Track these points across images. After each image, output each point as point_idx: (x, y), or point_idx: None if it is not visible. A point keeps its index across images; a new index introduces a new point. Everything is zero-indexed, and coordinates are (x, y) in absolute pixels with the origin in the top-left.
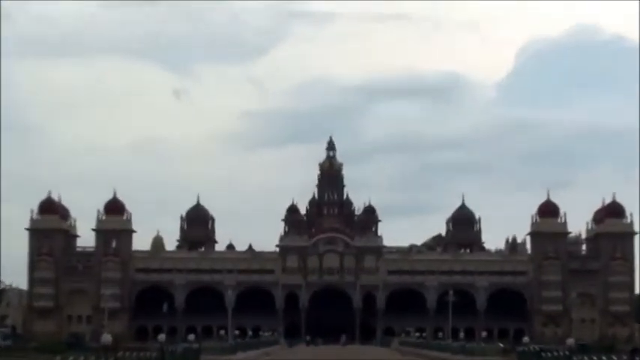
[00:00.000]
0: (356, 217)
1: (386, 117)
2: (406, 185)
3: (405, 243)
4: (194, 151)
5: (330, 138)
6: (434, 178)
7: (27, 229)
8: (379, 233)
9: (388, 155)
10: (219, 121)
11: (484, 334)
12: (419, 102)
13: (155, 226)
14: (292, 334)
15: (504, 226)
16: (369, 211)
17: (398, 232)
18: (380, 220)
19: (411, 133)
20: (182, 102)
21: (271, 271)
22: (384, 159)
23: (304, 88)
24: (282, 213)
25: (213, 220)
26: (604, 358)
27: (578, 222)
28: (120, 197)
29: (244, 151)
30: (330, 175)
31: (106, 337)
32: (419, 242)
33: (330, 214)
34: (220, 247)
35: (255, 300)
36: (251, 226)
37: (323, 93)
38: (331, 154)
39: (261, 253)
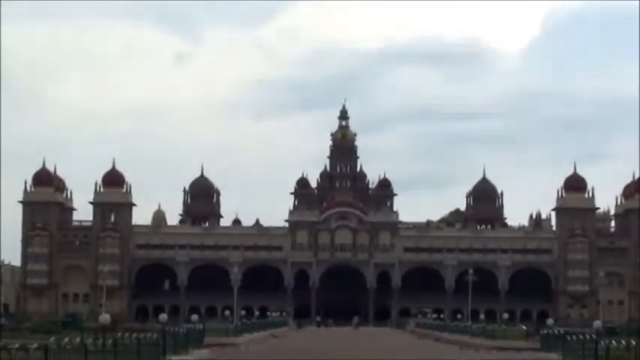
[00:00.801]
0: (370, 191)
1: (403, 84)
2: (424, 157)
3: (422, 218)
4: (198, 119)
5: (343, 106)
6: (453, 150)
7: (20, 202)
8: (394, 208)
9: (405, 125)
10: (225, 89)
11: (505, 315)
12: (439, 69)
13: (156, 200)
14: (302, 315)
15: (528, 201)
16: (384, 185)
17: (414, 207)
18: (395, 194)
19: (429, 101)
20: (185, 67)
21: (280, 248)
22: (401, 129)
23: (316, 54)
24: (292, 186)
25: (218, 193)
26: (633, 342)
27: (606, 197)
28: (119, 168)
29: (251, 121)
30: (343, 145)
31: (104, 317)
32: (437, 218)
33: (342, 188)
34: (226, 222)
35: (263, 278)
36: (258, 200)
37: (336, 59)
38: (344, 123)
39: (269, 229)
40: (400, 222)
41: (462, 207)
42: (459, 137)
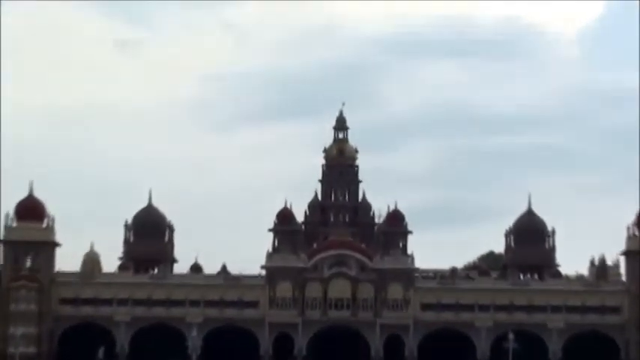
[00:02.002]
0: (376, 227)
1: (420, 83)
2: (447, 182)
3: (445, 265)
4: (146, 129)
5: (340, 112)
6: (487, 171)
7: None
8: (409, 251)
9: (422, 138)
10: (182, 88)
11: None
12: (467, 62)
13: (88, 238)
14: None
15: (588, 241)
16: (395, 219)
17: (435, 250)
18: (410, 232)
19: (455, 106)
20: (130, 58)
21: (254, 304)
22: (417, 143)
23: (304, 42)
24: (271, 220)
25: (171, 229)
26: None
27: None
28: (38, 195)
29: (217, 131)
30: (340, 165)
31: None
32: (465, 264)
33: (338, 223)
34: (181, 268)
35: (231, 344)
36: (226, 240)
37: (330, 48)
38: (341, 135)
39: (240, 278)
40: (416, 269)
41: (499, 249)
42: (495, 154)
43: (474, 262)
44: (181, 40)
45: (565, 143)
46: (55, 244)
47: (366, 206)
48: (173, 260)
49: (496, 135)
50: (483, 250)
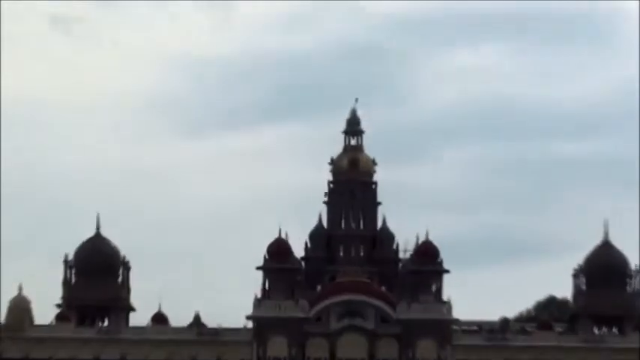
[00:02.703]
0: (401, 265)
1: (456, 74)
2: (493, 203)
3: (492, 315)
4: (92, 130)
5: (353, 112)
6: (545, 189)
7: None
8: (445, 296)
9: (460, 145)
10: (143, 77)
11: None
12: (519, 46)
13: (14, 278)
14: None
15: None
16: (426, 253)
17: (479, 294)
18: (446, 271)
19: (501, 103)
20: (69, 38)
21: None
22: (453, 152)
23: (305, 17)
24: (260, 255)
25: (126, 266)
26: None
27: None
28: None
29: (189, 136)
30: (353, 182)
31: None
32: (519, 314)
33: (350, 258)
34: (140, 318)
35: None
36: (199, 281)
37: (341, 26)
38: (354, 141)
39: (220, 332)
40: (455, 321)
41: (565, 294)
42: (557, 167)
43: (531, 312)
44: (144, 16)
45: None
46: None
47: (387, 237)
48: (129, 308)
49: (558, 142)
50: (542, 296)
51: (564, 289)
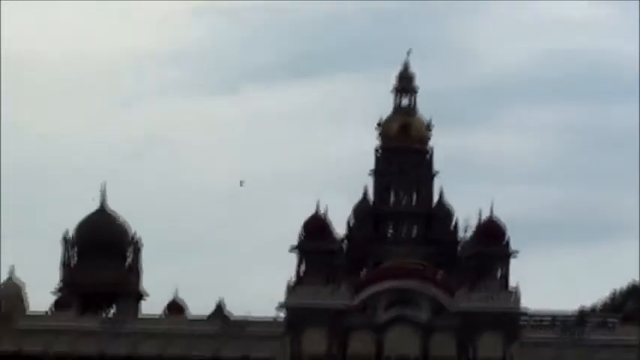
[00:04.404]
0: (460, 246)
1: (527, 23)
2: (569, 175)
3: (568, 305)
4: (98, 87)
5: (405, 66)
6: (631, 159)
7: None
8: (512, 282)
9: (532, 107)
10: (159, 27)
11: None
12: None
13: (5, 259)
14: None
15: None
16: (491, 233)
17: (552, 281)
18: (514, 254)
19: (583, 59)
20: None
21: None
22: (523, 115)
23: None
24: (294, 234)
25: (136, 246)
26: None
27: None
28: None
29: (213, 91)
30: (404, 150)
31: None
32: (599, 303)
33: (401, 239)
34: (152, 307)
35: None
36: (222, 263)
37: None
38: (406, 101)
39: (246, 324)
40: (524, 313)
41: None
42: None
43: (614, 301)
44: None
45: None
46: None
47: (443, 213)
48: (139, 295)
49: None
50: (624, 283)
51: None
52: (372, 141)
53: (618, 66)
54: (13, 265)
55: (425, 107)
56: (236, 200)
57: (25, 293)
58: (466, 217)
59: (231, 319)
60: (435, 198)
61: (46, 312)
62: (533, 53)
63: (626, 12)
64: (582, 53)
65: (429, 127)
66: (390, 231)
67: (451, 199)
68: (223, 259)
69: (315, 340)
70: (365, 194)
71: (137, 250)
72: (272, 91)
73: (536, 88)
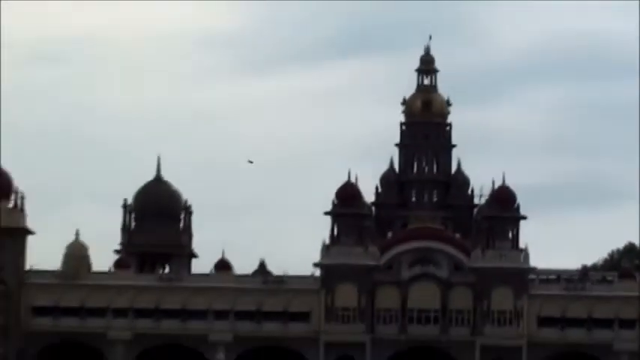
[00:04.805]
0: (476, 211)
1: (541, 8)
2: (574, 146)
3: (572, 263)
4: (152, 68)
5: (427, 49)
6: (631, 132)
7: None
8: (522, 243)
9: (542, 85)
10: (201, 13)
11: None
12: None
13: (72, 223)
14: None
15: None
16: (503, 199)
17: (558, 241)
18: (524, 217)
19: (591, 40)
20: None
21: (305, 316)
22: (533, 92)
23: None
24: (328, 200)
25: (188, 211)
26: None
27: None
28: (5, 166)
29: (252, 72)
30: (426, 124)
31: None
32: (600, 261)
33: (423, 204)
34: (202, 265)
35: None
36: (264, 226)
37: None
38: (427, 81)
39: (285, 280)
40: (532, 269)
41: None
42: None
43: (612, 259)
44: None
45: None
46: (26, 232)
47: (461, 181)
48: (191, 255)
49: None
50: (622, 243)
51: None
52: (397, 116)
53: (625, 45)
54: (78, 229)
55: (444, 86)
56: (276, 169)
57: (89, 254)
58: (481, 185)
59: (272, 275)
60: (454, 168)
61: (108, 270)
62: (545, 34)
63: None
64: (591, 33)
65: (448, 104)
66: (413, 197)
67: (468, 169)
68: (265, 223)
69: (347, 295)
70: (391, 164)
71: (189, 215)
72: (309, 70)
73: (547, 67)
